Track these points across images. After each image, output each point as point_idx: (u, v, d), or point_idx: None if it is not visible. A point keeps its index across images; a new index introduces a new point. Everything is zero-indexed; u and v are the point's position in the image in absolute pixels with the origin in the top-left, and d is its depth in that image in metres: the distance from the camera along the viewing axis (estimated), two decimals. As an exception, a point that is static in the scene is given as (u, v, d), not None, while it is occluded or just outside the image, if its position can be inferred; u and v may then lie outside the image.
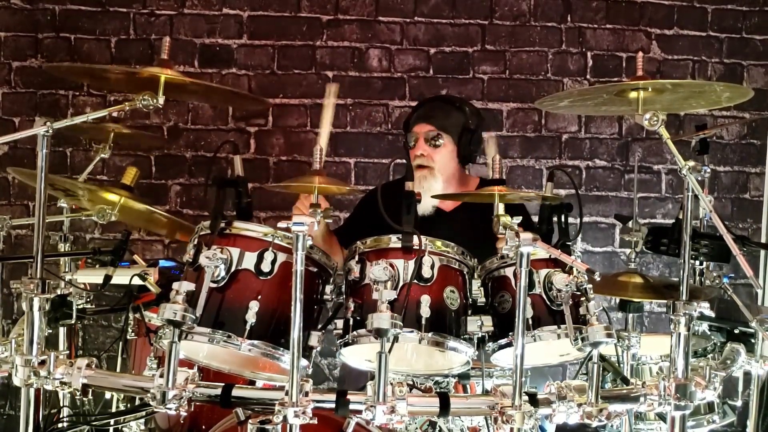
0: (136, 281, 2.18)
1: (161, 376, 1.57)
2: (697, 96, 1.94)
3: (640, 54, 1.79)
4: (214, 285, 1.67)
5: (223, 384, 1.69)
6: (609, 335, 1.65)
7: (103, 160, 2.45)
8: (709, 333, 2.42)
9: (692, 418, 2.33)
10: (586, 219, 3.63)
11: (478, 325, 1.78)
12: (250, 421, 1.72)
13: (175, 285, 1.59)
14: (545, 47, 3.72)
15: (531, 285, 1.74)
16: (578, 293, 1.73)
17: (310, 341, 1.75)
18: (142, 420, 2.36)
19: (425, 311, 1.69)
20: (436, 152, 2.57)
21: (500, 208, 1.72)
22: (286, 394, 1.50)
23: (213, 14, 3.65)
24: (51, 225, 2.49)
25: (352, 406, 1.63)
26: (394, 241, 1.76)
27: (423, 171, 2.56)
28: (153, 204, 2.26)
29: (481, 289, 1.87)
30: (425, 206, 2.58)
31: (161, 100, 1.71)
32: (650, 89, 1.77)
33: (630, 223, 2.34)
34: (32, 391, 1.72)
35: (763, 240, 3.71)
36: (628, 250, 2.36)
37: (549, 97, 1.96)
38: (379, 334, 1.55)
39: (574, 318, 1.71)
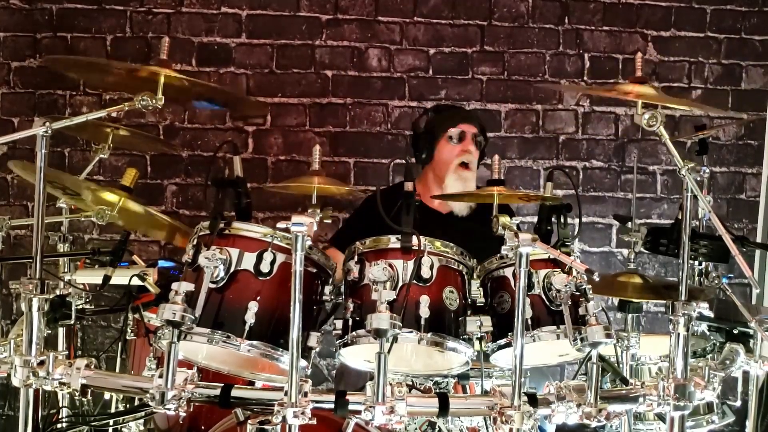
0: (135, 281, 2.17)
1: (160, 376, 1.57)
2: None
3: (639, 55, 1.79)
4: (213, 285, 1.66)
5: (222, 384, 1.69)
6: (608, 335, 1.65)
7: (101, 160, 2.44)
8: (708, 333, 2.42)
9: (691, 419, 2.33)
10: (583, 219, 3.63)
11: (478, 325, 1.79)
12: (249, 421, 1.72)
13: (174, 285, 1.59)
14: (543, 49, 3.72)
15: (530, 285, 1.75)
16: (577, 293, 1.73)
17: (309, 342, 1.75)
18: (141, 420, 2.36)
19: (424, 311, 1.69)
20: (477, 153, 2.65)
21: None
22: (285, 394, 1.50)
23: (211, 13, 3.65)
24: (50, 225, 2.48)
25: (351, 407, 1.63)
26: (393, 241, 1.76)
27: (466, 171, 2.60)
28: (149, 204, 2.26)
29: (481, 289, 1.88)
30: (462, 206, 2.65)
31: (161, 100, 1.70)
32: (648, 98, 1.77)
33: (629, 223, 2.34)
34: (31, 392, 1.71)
35: (758, 240, 3.72)
36: (625, 250, 2.36)
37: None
38: (379, 334, 1.55)
39: (574, 318, 1.71)
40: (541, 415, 1.65)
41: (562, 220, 1.88)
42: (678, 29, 3.75)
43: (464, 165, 2.61)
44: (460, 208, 2.68)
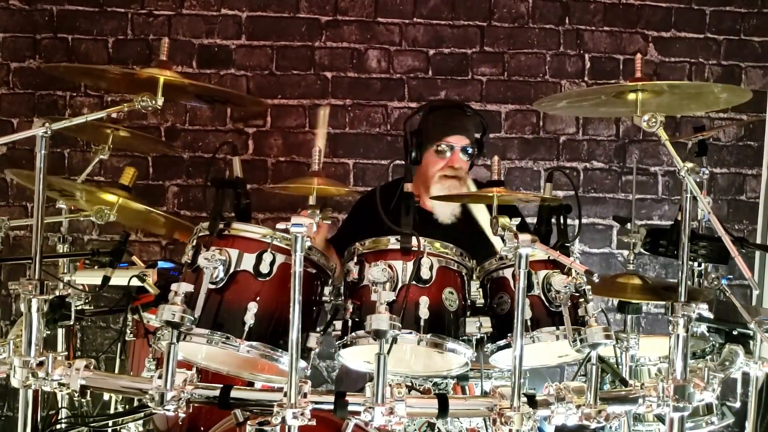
0: (135, 282, 2.17)
1: (160, 377, 1.57)
2: (695, 97, 1.94)
3: (639, 55, 1.79)
4: (213, 286, 1.67)
5: (221, 385, 1.69)
6: (608, 336, 1.65)
7: (101, 161, 2.44)
8: (707, 334, 2.42)
9: (691, 420, 2.33)
10: (583, 220, 3.63)
11: (477, 326, 1.78)
12: (248, 422, 1.72)
13: (174, 286, 1.59)
14: (543, 49, 3.72)
15: (530, 286, 1.75)
16: (577, 294, 1.73)
17: (309, 343, 1.75)
18: (141, 421, 2.36)
19: (424, 312, 1.69)
20: (466, 164, 2.60)
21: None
22: (285, 395, 1.50)
23: (211, 15, 3.65)
24: (49, 226, 2.48)
25: (350, 408, 1.63)
26: (392, 242, 1.76)
27: (452, 181, 2.56)
28: (150, 205, 2.26)
29: (480, 290, 1.88)
30: (446, 213, 2.60)
31: (160, 101, 1.71)
32: (649, 90, 1.77)
33: (628, 224, 2.34)
34: (30, 393, 1.71)
35: (758, 242, 3.71)
36: (625, 252, 2.35)
37: (548, 98, 1.96)
38: (378, 335, 1.55)
39: (573, 319, 1.71)
40: (540, 416, 1.64)
41: (562, 221, 1.88)
42: (678, 30, 3.75)
43: (448, 177, 2.58)
44: (444, 217, 2.61)
